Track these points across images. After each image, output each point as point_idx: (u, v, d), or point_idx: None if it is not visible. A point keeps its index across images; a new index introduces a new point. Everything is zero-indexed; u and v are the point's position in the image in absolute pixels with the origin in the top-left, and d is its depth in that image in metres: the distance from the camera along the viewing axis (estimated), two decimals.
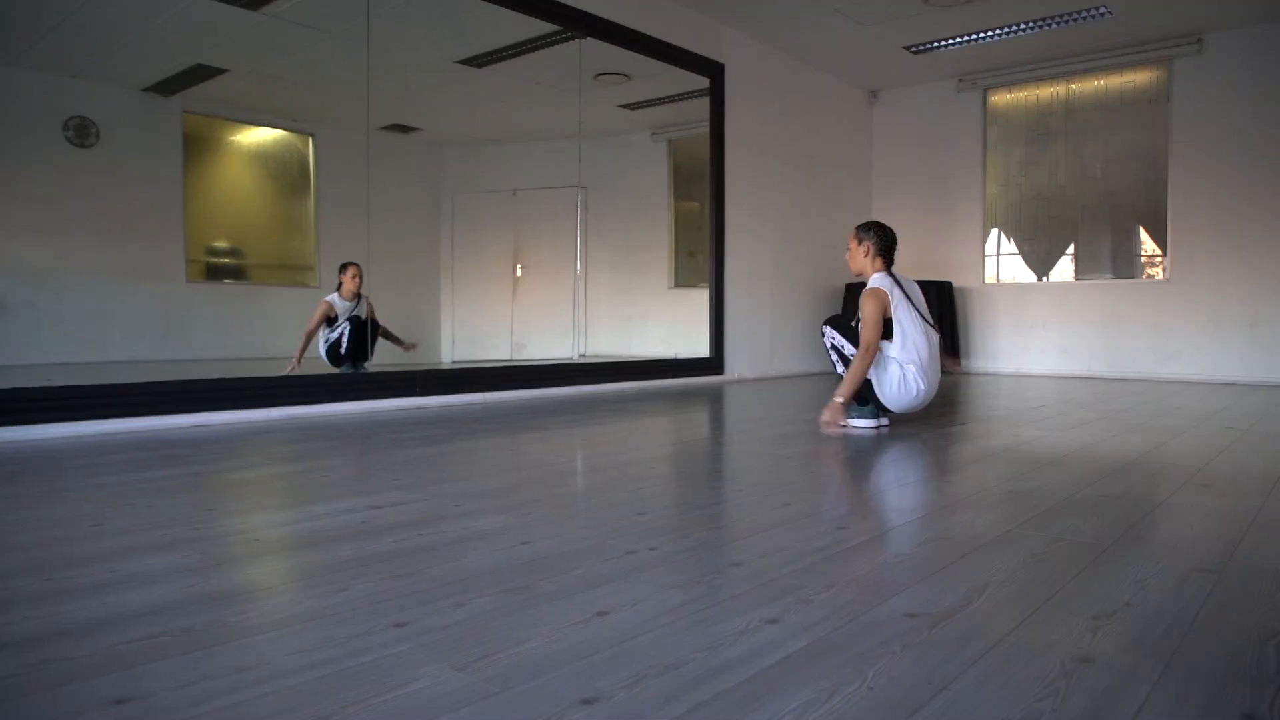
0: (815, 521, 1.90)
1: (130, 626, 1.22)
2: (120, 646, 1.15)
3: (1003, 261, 7.65)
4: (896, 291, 3.49)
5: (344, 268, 4.92)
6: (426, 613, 1.28)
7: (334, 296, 4.91)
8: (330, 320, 4.90)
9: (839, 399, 3.48)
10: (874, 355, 3.45)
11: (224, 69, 4.97)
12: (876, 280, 3.53)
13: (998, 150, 7.61)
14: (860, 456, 2.87)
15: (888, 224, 3.71)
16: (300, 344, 4.82)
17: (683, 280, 6.90)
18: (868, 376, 3.49)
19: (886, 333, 3.47)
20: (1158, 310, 6.74)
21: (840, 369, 3.60)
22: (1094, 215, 7.13)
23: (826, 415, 3.52)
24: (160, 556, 1.59)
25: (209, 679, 1.04)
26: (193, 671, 1.07)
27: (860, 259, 3.62)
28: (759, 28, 6.41)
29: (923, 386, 3.46)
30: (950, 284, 7.54)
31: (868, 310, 3.44)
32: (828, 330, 3.66)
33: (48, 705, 0.98)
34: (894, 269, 3.64)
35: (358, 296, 4.93)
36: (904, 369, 3.45)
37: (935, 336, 3.57)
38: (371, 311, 5.01)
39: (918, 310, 3.52)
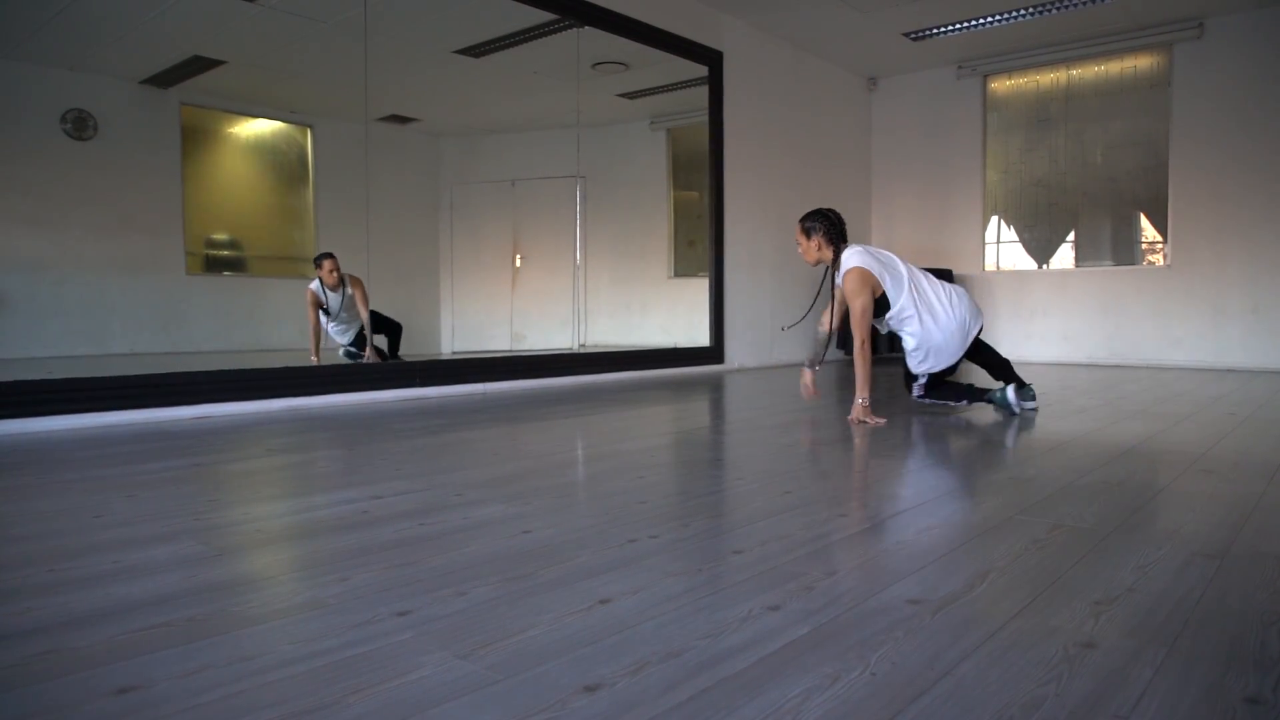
0: (816, 509, 1.90)
1: (133, 617, 1.22)
2: (123, 637, 1.15)
3: (1003, 249, 7.63)
4: (874, 266, 3.35)
5: (319, 262, 4.95)
6: (428, 601, 1.28)
7: (315, 284, 4.95)
8: (322, 307, 4.96)
9: (862, 401, 3.30)
10: (869, 349, 3.32)
11: (221, 61, 4.95)
12: (853, 259, 3.35)
13: (998, 137, 7.59)
14: (860, 444, 2.87)
15: (831, 208, 3.52)
16: (310, 340, 4.86)
17: (682, 269, 6.89)
18: (927, 368, 3.46)
19: (884, 305, 3.38)
20: (1158, 297, 6.73)
21: (950, 398, 3.59)
22: (1094, 202, 7.11)
23: (856, 415, 3.31)
24: (162, 547, 1.59)
25: (211, 668, 1.04)
26: (195, 661, 1.07)
27: (814, 252, 3.46)
28: (757, 15, 6.38)
29: (948, 321, 3.37)
30: (950, 271, 7.52)
31: (856, 305, 3.30)
32: (923, 397, 3.59)
33: (51, 695, 0.98)
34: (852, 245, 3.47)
35: (340, 284, 4.96)
36: (923, 321, 3.36)
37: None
38: (361, 293, 5.04)
39: (901, 265, 3.43)
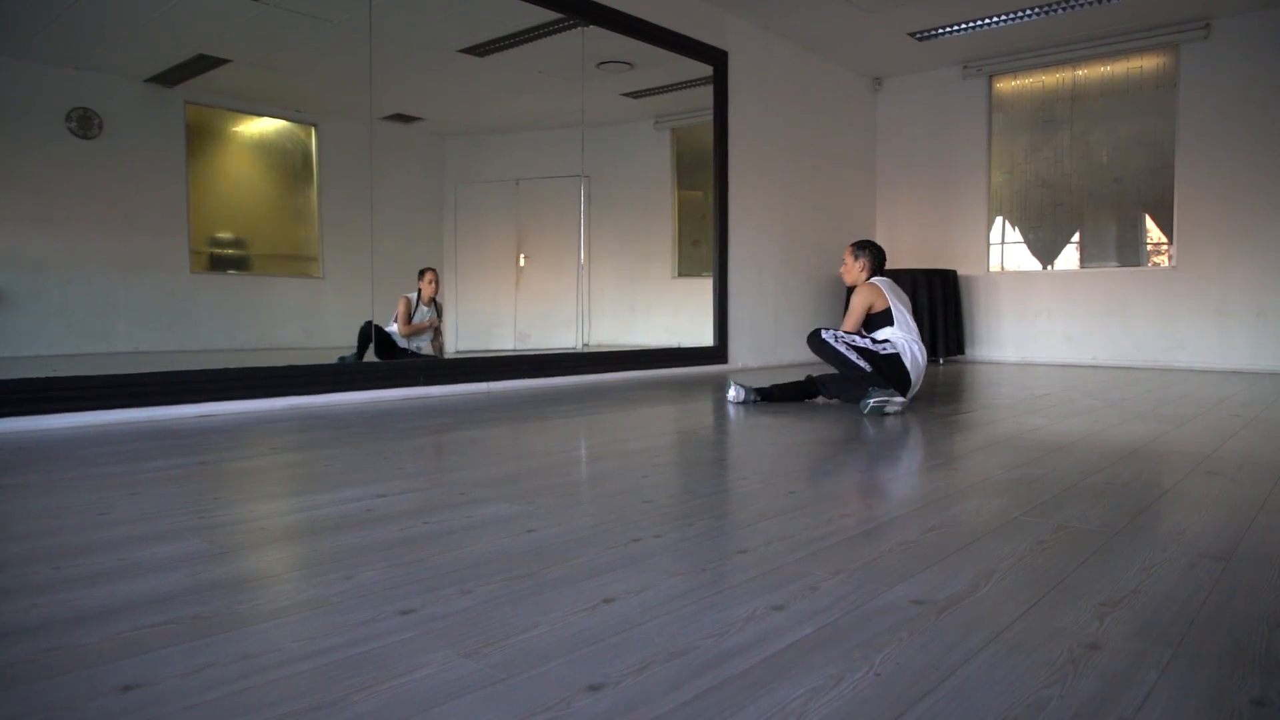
0: (820, 509, 1.90)
1: (137, 614, 1.22)
2: (128, 634, 1.15)
3: (1007, 249, 7.62)
4: (887, 290, 3.88)
5: (422, 274, 5.27)
6: (432, 600, 1.28)
7: (412, 295, 5.21)
8: (410, 318, 5.24)
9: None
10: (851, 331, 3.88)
11: (226, 59, 4.95)
12: (873, 279, 3.94)
13: (1003, 137, 7.57)
14: (865, 444, 2.86)
15: (879, 243, 4.16)
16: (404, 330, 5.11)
17: (686, 269, 6.88)
18: (893, 353, 3.77)
19: (887, 321, 3.81)
20: (1163, 298, 6.71)
21: (854, 358, 3.75)
22: (1099, 203, 7.09)
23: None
24: (167, 545, 1.59)
25: (216, 666, 1.05)
26: (200, 658, 1.07)
27: (856, 272, 4.00)
28: (762, 15, 6.37)
29: (922, 359, 3.85)
30: (955, 272, 7.51)
31: (856, 301, 3.86)
32: (826, 335, 3.81)
33: (57, 692, 0.98)
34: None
35: (433, 301, 5.23)
36: (909, 345, 3.79)
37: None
38: (437, 315, 5.36)
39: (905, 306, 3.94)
